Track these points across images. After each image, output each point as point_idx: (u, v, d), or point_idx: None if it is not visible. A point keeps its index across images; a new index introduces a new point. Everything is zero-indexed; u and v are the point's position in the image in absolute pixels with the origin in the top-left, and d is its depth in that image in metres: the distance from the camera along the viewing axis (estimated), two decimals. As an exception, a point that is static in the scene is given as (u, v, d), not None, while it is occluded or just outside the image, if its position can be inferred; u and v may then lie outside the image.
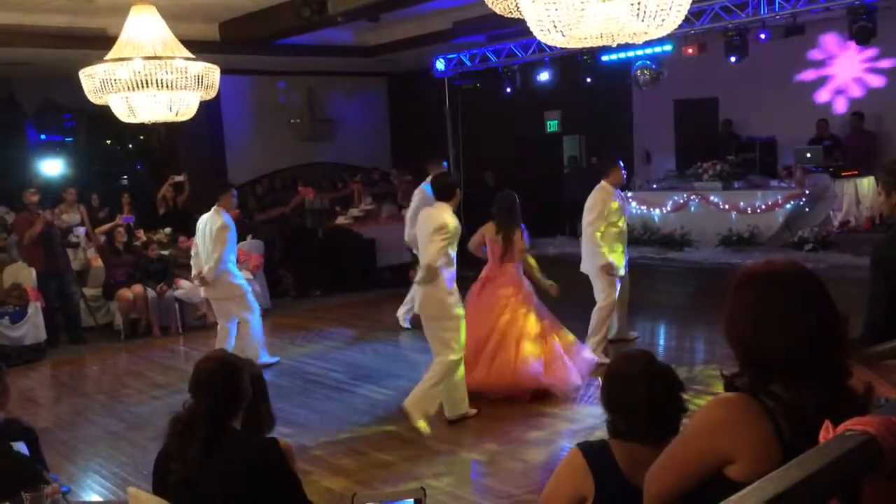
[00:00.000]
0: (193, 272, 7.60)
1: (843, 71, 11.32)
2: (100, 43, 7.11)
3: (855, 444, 1.38)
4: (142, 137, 15.42)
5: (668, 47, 10.66)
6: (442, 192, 5.75)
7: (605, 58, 11.31)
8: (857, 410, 1.61)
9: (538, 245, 8.87)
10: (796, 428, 1.65)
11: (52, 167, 13.60)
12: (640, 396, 2.31)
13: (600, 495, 2.24)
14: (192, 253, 7.60)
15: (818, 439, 1.49)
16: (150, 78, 5.11)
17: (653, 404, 2.31)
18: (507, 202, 6.49)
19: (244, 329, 7.47)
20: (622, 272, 7.20)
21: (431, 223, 5.52)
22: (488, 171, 13.82)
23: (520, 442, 5.44)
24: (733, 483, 1.63)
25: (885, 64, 10.57)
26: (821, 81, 11.82)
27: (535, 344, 6.25)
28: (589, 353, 6.59)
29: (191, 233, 10.35)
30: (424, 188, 8.14)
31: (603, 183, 7.12)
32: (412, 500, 2.27)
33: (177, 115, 5.66)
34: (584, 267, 7.16)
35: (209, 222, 7.34)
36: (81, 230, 10.03)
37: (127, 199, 11.03)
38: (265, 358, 7.52)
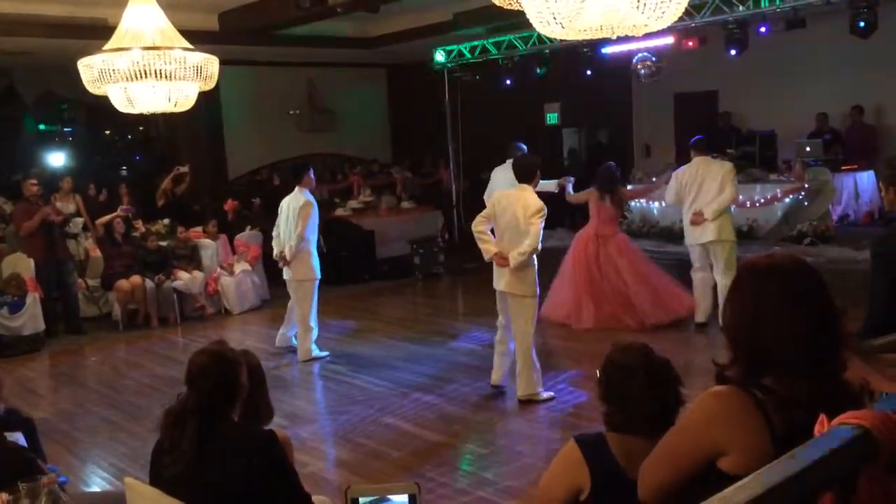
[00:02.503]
0: (275, 252, 7.60)
1: (843, 64, 11.29)
2: (100, 33, 7.07)
3: (850, 437, 1.37)
4: (141, 128, 15.38)
5: (668, 40, 10.62)
6: (526, 174, 5.84)
7: (605, 50, 11.27)
8: (853, 404, 1.61)
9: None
10: (790, 421, 1.65)
11: (56, 159, 13.58)
12: (638, 389, 2.32)
13: (596, 488, 2.25)
14: (274, 234, 7.67)
15: (813, 433, 1.49)
16: (149, 68, 5.08)
17: (650, 397, 2.31)
18: (607, 173, 7.94)
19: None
20: None
21: (526, 208, 5.60)
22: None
23: (518, 434, 5.45)
24: (727, 476, 1.63)
25: (886, 57, 10.53)
26: (820, 75, 11.79)
27: (639, 283, 7.74)
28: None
29: (189, 224, 10.37)
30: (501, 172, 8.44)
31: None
32: (406, 494, 2.20)
33: (176, 105, 5.63)
34: (712, 238, 7.56)
35: (292, 202, 7.40)
36: (79, 220, 9.99)
37: (125, 190, 11.00)
38: (315, 349, 7.59)
